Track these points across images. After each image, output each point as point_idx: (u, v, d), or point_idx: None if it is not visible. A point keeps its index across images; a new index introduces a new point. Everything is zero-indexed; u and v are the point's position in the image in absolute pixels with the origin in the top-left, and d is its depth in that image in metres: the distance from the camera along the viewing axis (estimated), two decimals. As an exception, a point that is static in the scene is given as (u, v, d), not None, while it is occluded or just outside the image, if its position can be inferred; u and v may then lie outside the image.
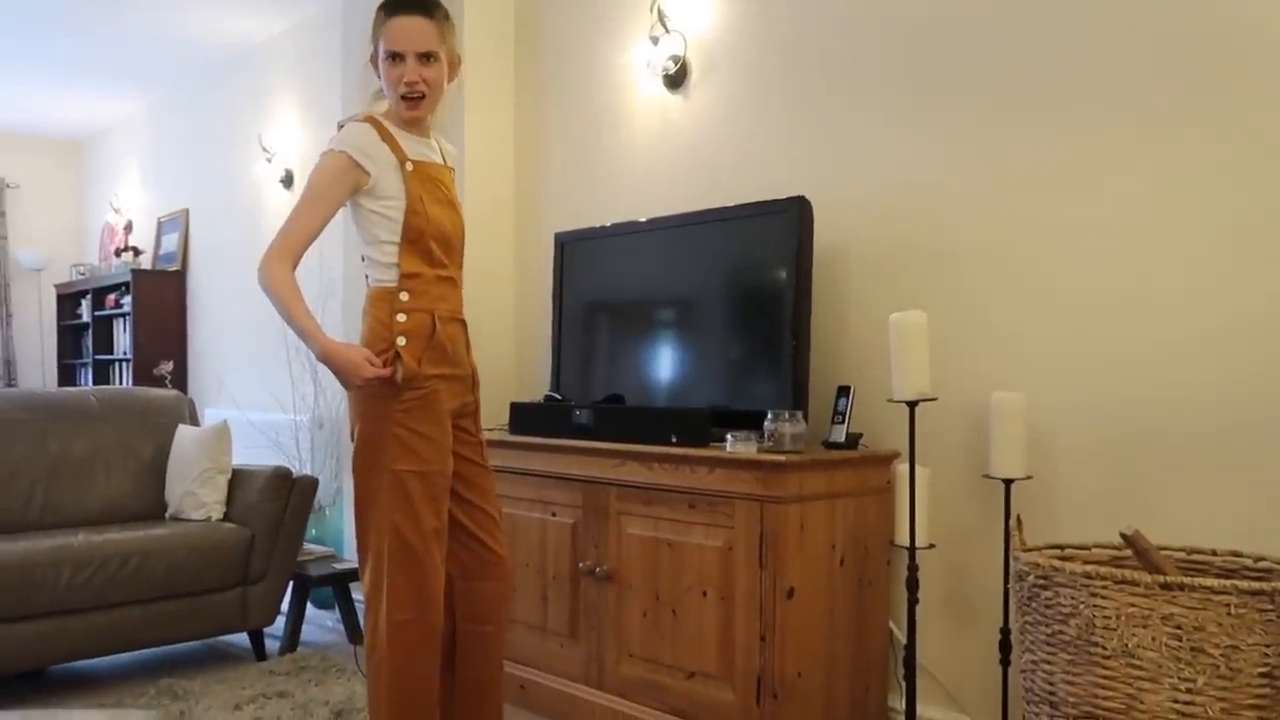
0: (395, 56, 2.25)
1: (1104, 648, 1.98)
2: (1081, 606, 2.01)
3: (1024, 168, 2.61)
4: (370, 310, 2.29)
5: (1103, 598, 1.98)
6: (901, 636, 2.77)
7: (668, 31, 3.48)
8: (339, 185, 2.25)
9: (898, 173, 2.88)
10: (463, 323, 2.40)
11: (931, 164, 2.80)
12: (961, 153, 2.74)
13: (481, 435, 2.46)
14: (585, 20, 3.87)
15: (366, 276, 2.34)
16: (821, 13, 3.06)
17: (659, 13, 3.49)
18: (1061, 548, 2.33)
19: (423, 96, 2.27)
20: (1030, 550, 2.29)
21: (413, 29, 2.23)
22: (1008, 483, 2.49)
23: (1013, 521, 2.36)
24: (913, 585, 2.58)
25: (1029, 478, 2.50)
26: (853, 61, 2.98)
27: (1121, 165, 2.43)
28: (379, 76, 2.31)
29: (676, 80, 3.47)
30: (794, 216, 2.82)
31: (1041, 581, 2.10)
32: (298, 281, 2.24)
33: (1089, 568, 2.01)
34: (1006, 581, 2.46)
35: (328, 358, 2.19)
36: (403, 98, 2.27)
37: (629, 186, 3.69)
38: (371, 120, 2.30)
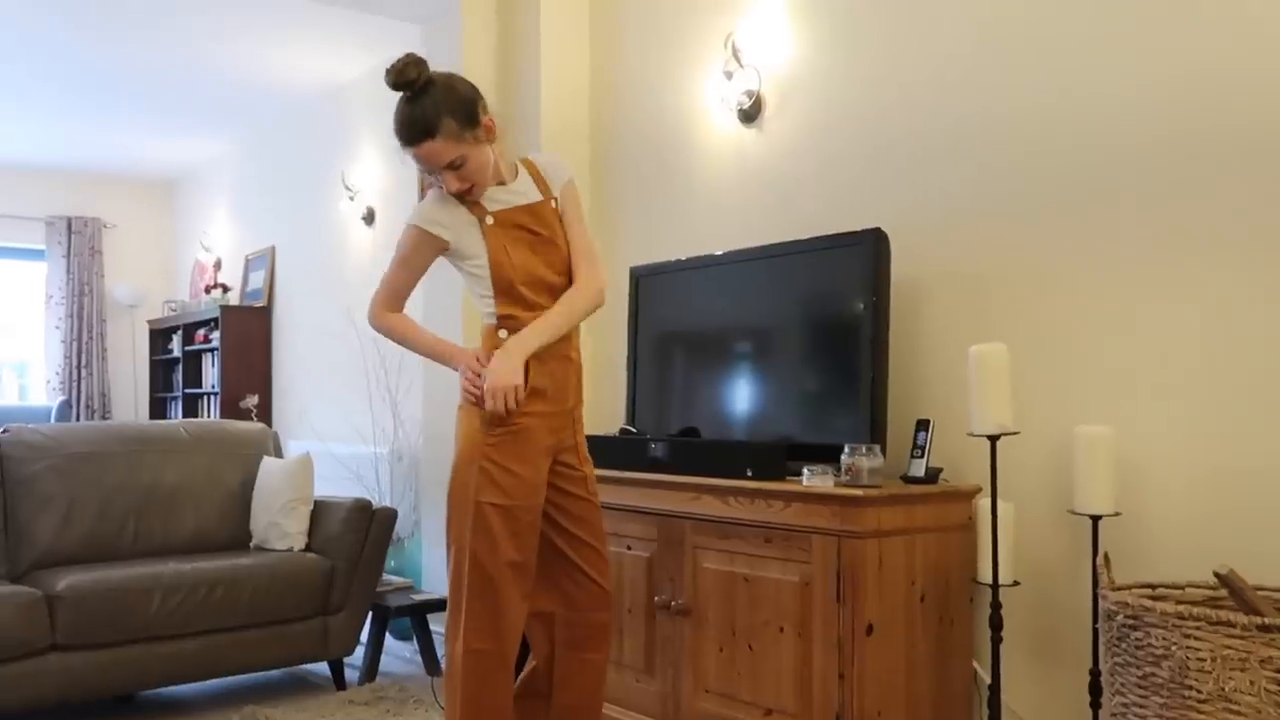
0: (430, 172, 2.33)
1: (1199, 691, 1.91)
2: (1174, 648, 1.94)
3: (1109, 191, 2.56)
4: (481, 344, 2.40)
5: (1197, 639, 1.91)
6: (986, 676, 2.70)
7: (741, 66, 3.50)
8: (419, 255, 2.40)
9: (974, 202, 2.84)
10: (569, 359, 2.41)
11: (1011, 193, 2.76)
12: (1043, 180, 2.69)
13: (588, 469, 2.48)
14: (658, 57, 3.91)
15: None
16: (899, 41, 3.05)
17: (733, 48, 3.51)
18: (1153, 587, 2.25)
19: (471, 188, 2.33)
20: (1119, 589, 2.22)
21: (428, 154, 2.26)
22: (1095, 519, 2.43)
23: (1100, 559, 2.29)
24: (996, 623, 2.52)
25: (1117, 514, 2.43)
26: (929, 90, 2.96)
27: (1209, 188, 2.37)
28: None
29: (751, 114, 3.49)
30: (870, 248, 2.81)
31: (1131, 621, 2.04)
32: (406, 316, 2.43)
33: (1182, 608, 1.94)
34: (1095, 621, 2.39)
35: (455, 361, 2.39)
36: (455, 194, 2.34)
37: (704, 220, 3.70)
38: None
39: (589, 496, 2.46)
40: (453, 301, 4.14)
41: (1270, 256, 2.27)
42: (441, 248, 2.37)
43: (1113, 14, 2.55)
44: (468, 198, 2.34)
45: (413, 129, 2.24)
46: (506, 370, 2.26)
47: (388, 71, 2.24)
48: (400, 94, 2.26)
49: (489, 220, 2.33)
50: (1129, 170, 2.52)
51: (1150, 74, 2.48)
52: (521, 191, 2.41)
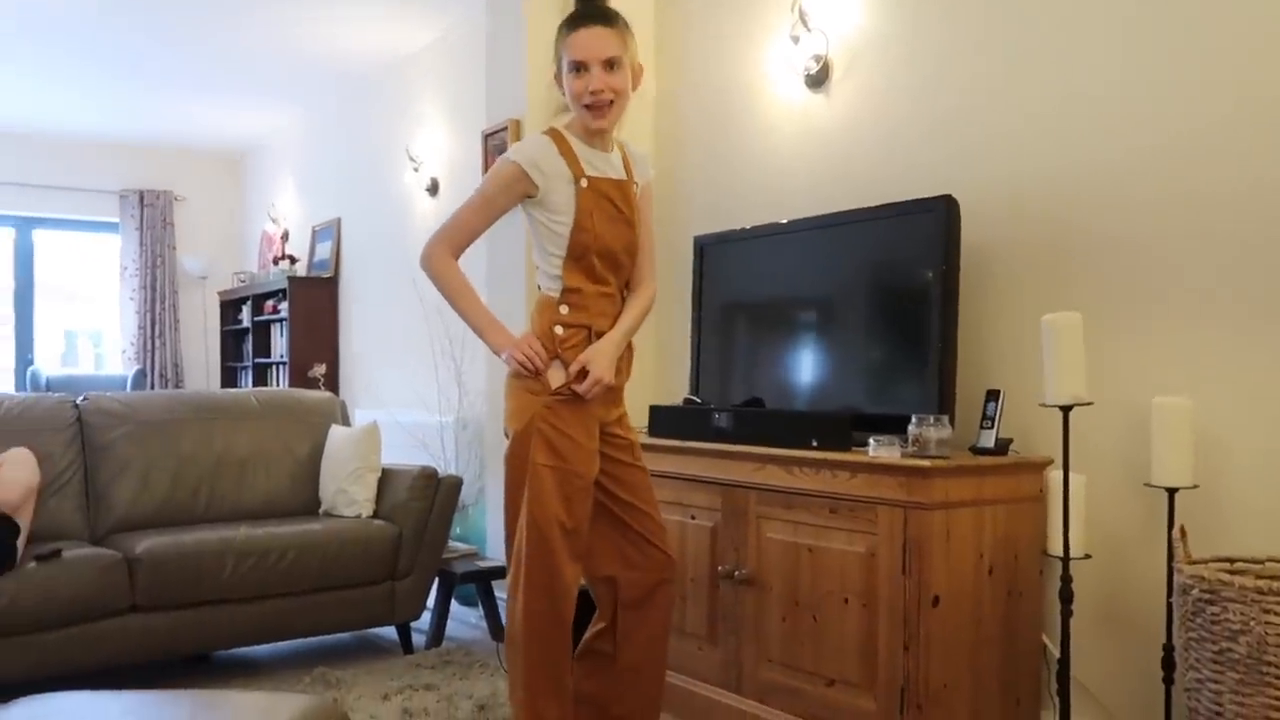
0: (579, 67, 2.29)
1: (1277, 668, 1.86)
2: (1252, 623, 1.90)
3: (1188, 153, 2.48)
4: (536, 316, 2.40)
5: (1277, 615, 1.86)
6: (1055, 649, 2.66)
7: (809, 30, 3.44)
8: (506, 193, 2.35)
9: (1048, 168, 2.77)
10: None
11: (1086, 156, 2.69)
12: (1119, 142, 2.62)
13: (633, 435, 2.50)
14: (724, 22, 3.87)
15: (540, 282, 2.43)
16: (968, 5, 2.98)
17: (800, 12, 3.45)
18: (1230, 561, 2.20)
19: (610, 103, 2.30)
20: (1195, 563, 2.17)
21: (595, 38, 2.27)
22: (1171, 491, 2.37)
23: (1176, 532, 2.24)
24: (1067, 596, 2.48)
25: (1195, 487, 2.37)
26: (1000, 55, 2.89)
27: (1298, 156, 2.28)
28: (563, 92, 2.36)
29: (818, 80, 3.43)
30: (940, 215, 2.75)
31: (1208, 596, 1.99)
32: (460, 269, 2.37)
33: (1261, 582, 1.90)
34: (1169, 595, 2.34)
35: (501, 350, 2.35)
36: (587, 107, 2.31)
37: (769, 188, 3.66)
38: (553, 132, 2.37)
39: (636, 462, 2.48)
40: (517, 265, 4.16)
41: (1362, 221, 2.18)
42: (529, 193, 2.34)
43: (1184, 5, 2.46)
44: (594, 120, 2.31)
45: (594, 12, 2.30)
46: (607, 369, 2.32)
47: None
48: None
49: (583, 182, 2.33)
50: (1212, 134, 2.43)
51: (1236, 35, 2.39)
52: (615, 166, 2.42)
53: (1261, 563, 2.19)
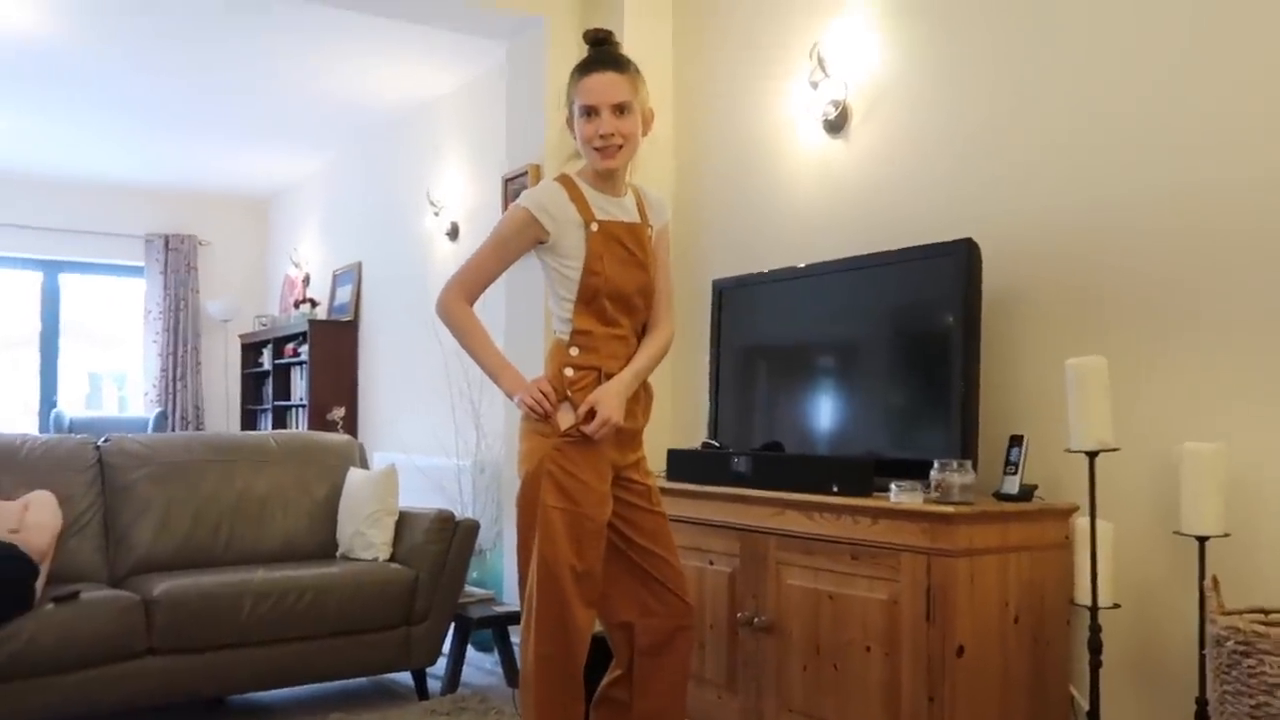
0: (590, 111, 2.31)
1: (1318, 723, 1.81)
2: (1291, 677, 1.84)
3: (1214, 196, 2.46)
4: (549, 360, 2.40)
5: (1316, 668, 1.81)
6: (1084, 702, 2.60)
7: (827, 76, 3.46)
8: (518, 238, 2.37)
9: (1070, 210, 2.76)
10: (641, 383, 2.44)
11: (1108, 199, 2.67)
12: (1142, 185, 2.60)
13: (650, 480, 2.48)
14: (743, 68, 3.89)
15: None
16: (986, 49, 2.99)
17: (818, 58, 3.47)
18: (1265, 612, 2.15)
19: (619, 147, 2.32)
20: (1229, 614, 2.12)
21: (605, 83, 2.30)
22: (1201, 540, 2.32)
23: (1208, 582, 2.19)
24: (1095, 646, 2.43)
25: (1226, 535, 2.32)
26: (1019, 97, 2.89)
27: (1325, 199, 2.26)
28: (575, 137, 2.38)
29: (837, 125, 3.44)
30: (962, 259, 2.74)
31: (1243, 648, 1.94)
32: (475, 315, 2.38)
33: (1299, 634, 1.85)
34: (1202, 647, 2.28)
35: (513, 394, 2.34)
36: (597, 150, 2.32)
37: (788, 232, 3.66)
38: (564, 178, 2.38)
39: (654, 508, 2.45)
40: (535, 311, 4.16)
41: (1392, 265, 2.15)
42: (540, 238, 2.35)
43: (1209, 41, 2.46)
44: (603, 163, 2.32)
45: (605, 57, 2.33)
46: (616, 409, 2.30)
47: (586, 32, 2.40)
48: (591, 45, 2.39)
49: (594, 227, 2.33)
50: (1237, 173, 2.41)
51: (1262, 68, 2.38)
52: (628, 209, 2.42)
53: (1296, 613, 2.14)
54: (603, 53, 2.35)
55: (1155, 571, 2.55)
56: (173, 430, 8.57)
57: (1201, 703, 2.31)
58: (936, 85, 3.14)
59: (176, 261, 8.84)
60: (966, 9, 3.05)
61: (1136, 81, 2.62)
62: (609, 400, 2.30)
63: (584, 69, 2.33)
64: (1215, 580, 2.18)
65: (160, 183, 8.56)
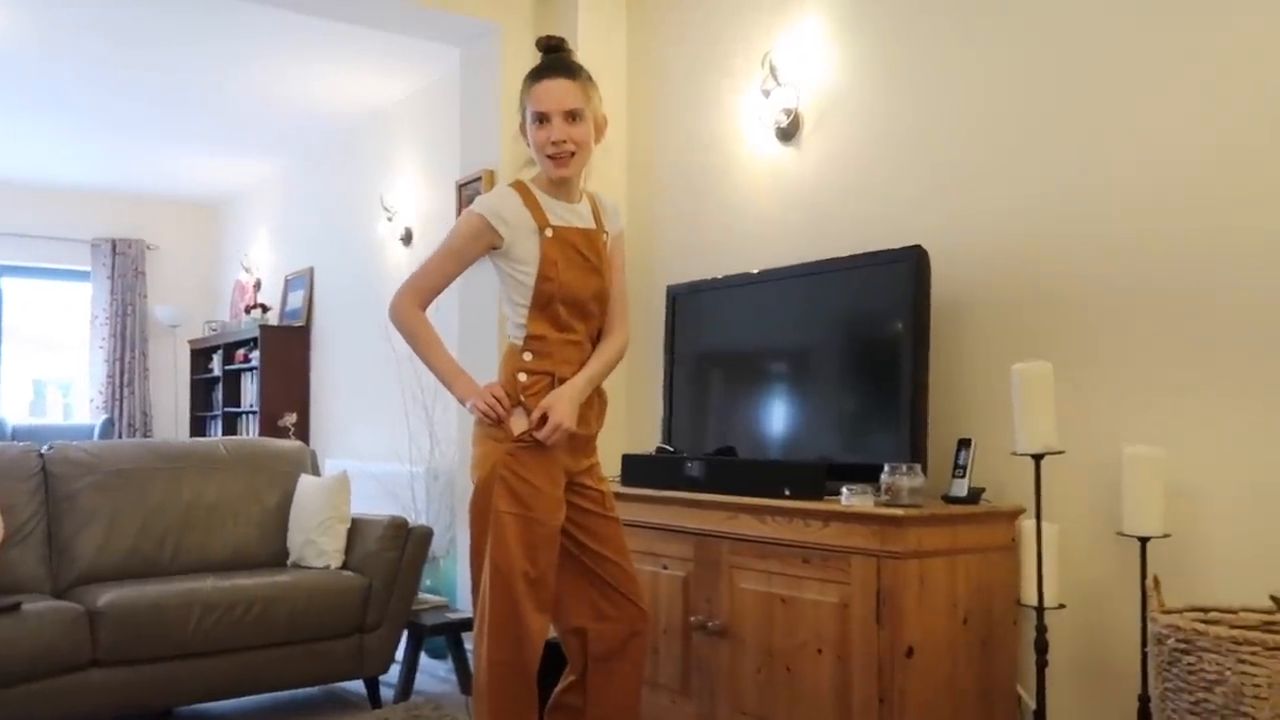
0: (542, 118, 2.31)
1: (1254, 718, 1.85)
2: (1228, 673, 1.89)
3: (1156, 207, 2.52)
4: (503, 364, 2.40)
5: (1252, 664, 1.86)
6: (1030, 701, 2.65)
7: (779, 84, 3.49)
8: (472, 245, 2.36)
9: (1017, 218, 2.81)
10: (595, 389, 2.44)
11: (1054, 207, 2.73)
12: (1086, 194, 2.66)
13: (605, 486, 2.48)
14: (696, 76, 3.92)
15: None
16: (936, 59, 3.03)
17: (770, 67, 3.50)
18: (1205, 610, 2.20)
19: (571, 154, 2.32)
20: (1170, 612, 2.17)
21: (557, 90, 2.30)
22: (1143, 540, 2.37)
23: (1149, 581, 2.24)
24: (1041, 647, 2.47)
25: (1167, 536, 2.38)
26: (968, 105, 2.94)
27: (1261, 198, 2.32)
28: (528, 144, 2.38)
29: (789, 133, 3.48)
30: (910, 265, 2.78)
31: (1183, 646, 1.99)
32: (428, 320, 2.36)
33: (1236, 632, 1.89)
34: (1144, 645, 2.33)
35: (466, 400, 2.33)
36: (550, 157, 2.33)
37: (741, 238, 3.69)
38: (518, 185, 2.39)
39: (608, 513, 2.46)
40: (488, 316, 4.15)
41: (1323, 272, 2.22)
42: (494, 244, 2.34)
43: (1144, 51, 2.52)
44: (556, 171, 2.33)
45: (557, 64, 2.33)
46: (568, 414, 2.30)
47: (539, 39, 2.41)
48: (544, 52, 2.40)
49: (548, 233, 2.33)
50: (1176, 187, 2.47)
51: (1210, 79, 2.44)
52: (583, 215, 2.43)
53: (1235, 612, 2.19)
54: (555, 59, 2.35)
55: (1099, 572, 2.60)
56: (119, 438, 8.42)
57: (1144, 700, 2.36)
58: (885, 95, 3.18)
59: (124, 266, 8.70)
60: (914, 22, 3.10)
61: (1077, 91, 2.68)
62: (562, 405, 2.30)
63: (536, 75, 2.34)
64: (1156, 580, 2.23)
65: (108, 186, 8.42)
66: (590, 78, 2.37)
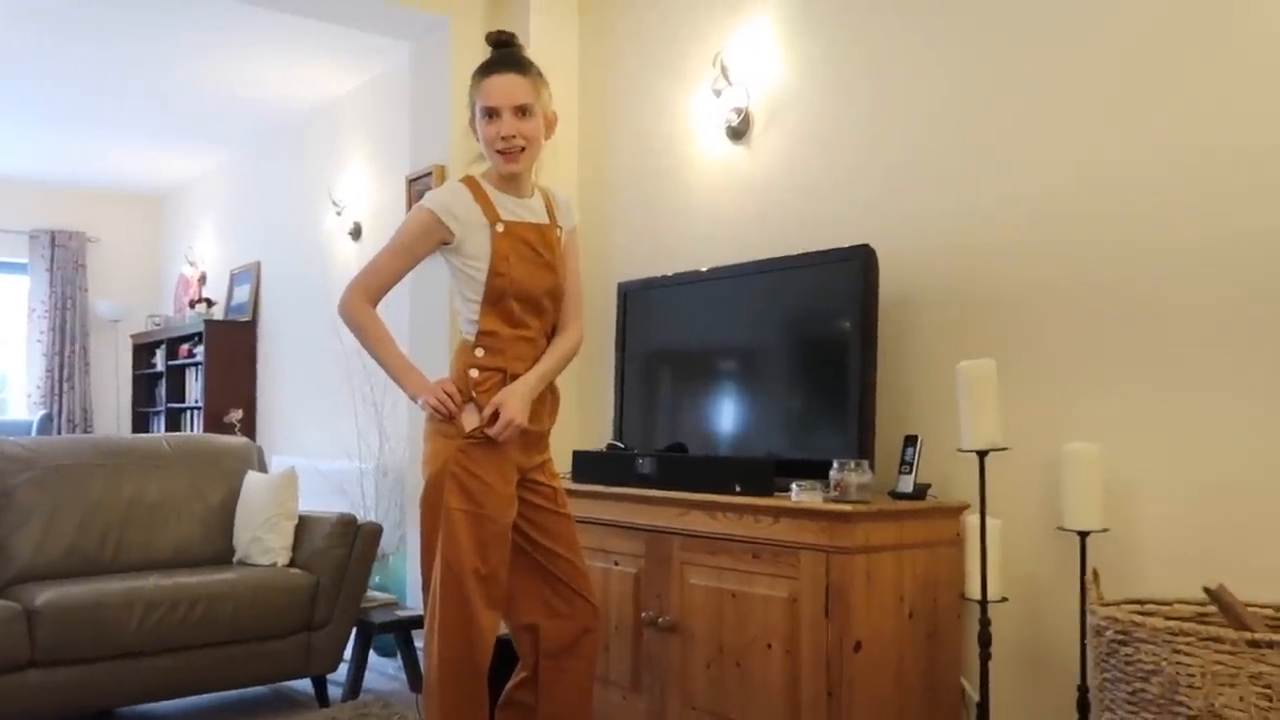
0: (491, 113, 2.30)
1: (1189, 707, 1.90)
2: (1164, 664, 1.94)
3: (1096, 209, 2.57)
4: (454, 361, 2.39)
5: (1187, 655, 1.91)
6: (974, 693, 2.69)
7: (730, 84, 3.51)
8: (423, 240, 2.34)
9: (965, 219, 2.85)
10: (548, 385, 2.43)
11: (998, 210, 2.77)
12: (1029, 197, 2.71)
13: (556, 482, 2.48)
14: (648, 74, 3.93)
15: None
16: (885, 61, 3.07)
17: (721, 66, 3.52)
18: (1141, 603, 2.25)
19: (521, 150, 2.32)
20: (1108, 605, 2.22)
21: (506, 84, 2.30)
22: (1083, 535, 2.43)
23: (1088, 575, 2.29)
24: (985, 640, 2.52)
25: (1105, 530, 2.44)
26: (917, 109, 2.98)
27: (1195, 207, 2.38)
28: (478, 139, 2.37)
29: (739, 132, 3.50)
30: (859, 264, 2.81)
31: (1121, 637, 2.03)
32: (378, 316, 2.34)
33: (1172, 623, 1.94)
34: (1083, 637, 2.39)
35: (417, 396, 2.31)
36: (500, 153, 2.32)
37: (692, 236, 3.71)
38: (468, 180, 2.38)
39: (560, 510, 2.46)
40: (439, 312, 4.13)
41: (1264, 268, 2.28)
42: (445, 240, 2.33)
43: (1087, 61, 2.57)
44: (506, 166, 2.32)
45: (507, 59, 2.33)
46: (520, 410, 2.29)
47: (489, 34, 2.40)
48: (494, 47, 2.39)
49: (499, 227, 2.33)
50: (1115, 193, 2.53)
51: (1148, 81, 2.50)
52: (536, 211, 2.42)
53: (1171, 604, 2.25)
54: (504, 54, 2.35)
55: (1040, 566, 2.65)
56: (59, 434, 8.24)
57: (1083, 690, 2.41)
58: (835, 96, 3.21)
59: (64, 259, 8.51)
60: (863, 24, 3.13)
61: (1022, 99, 2.73)
62: (513, 402, 2.29)
63: (485, 70, 2.33)
64: (1095, 573, 2.28)
65: (47, 177, 8.23)
66: (540, 73, 2.36)
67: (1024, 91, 2.73)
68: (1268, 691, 1.82)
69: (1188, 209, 2.39)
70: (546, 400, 2.43)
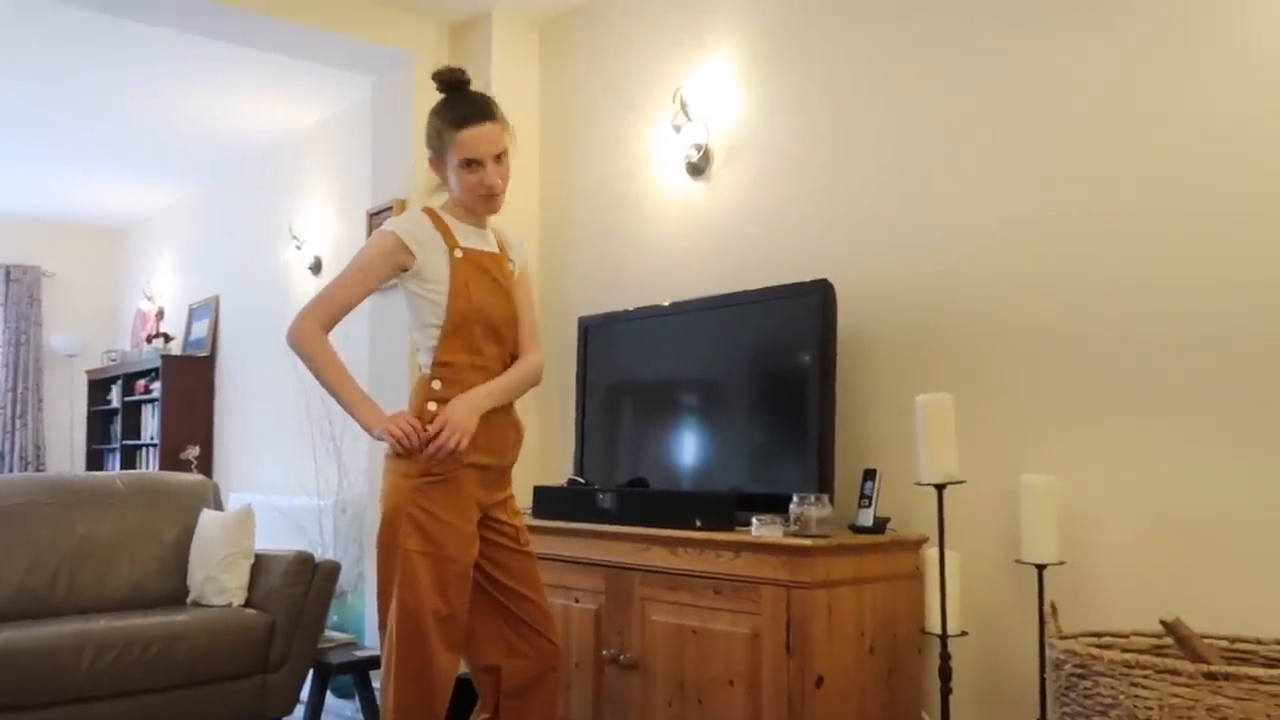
0: (473, 164, 2.31)
1: (1146, 740, 1.91)
2: (1122, 697, 1.95)
3: (1052, 244, 2.61)
4: (413, 395, 2.35)
5: (1144, 687, 1.91)
6: (935, 728, 2.69)
7: (690, 120, 3.54)
8: (384, 264, 2.32)
9: (922, 255, 2.88)
10: (508, 417, 2.40)
11: (955, 245, 2.81)
12: (985, 233, 2.74)
13: (519, 520, 2.45)
14: (609, 110, 3.95)
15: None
16: (843, 99, 3.11)
17: (681, 102, 3.55)
18: (1099, 635, 2.26)
19: (497, 195, 2.36)
20: (1066, 638, 2.22)
21: (488, 135, 2.31)
22: (1040, 568, 2.44)
23: (1047, 608, 2.30)
24: (945, 674, 2.52)
25: (1062, 563, 2.45)
26: (874, 146, 3.02)
27: (1144, 241, 2.42)
28: (443, 179, 2.40)
29: (699, 167, 3.52)
30: (818, 299, 2.83)
31: (1079, 670, 2.04)
32: (331, 344, 2.29)
33: (1129, 656, 1.95)
34: (1043, 670, 2.39)
35: (372, 429, 2.25)
36: (484, 198, 2.35)
37: (652, 271, 3.72)
38: (428, 210, 2.39)
39: (523, 549, 2.43)
40: (399, 350, 4.10)
41: (1216, 307, 2.32)
42: (405, 264, 2.31)
43: (1051, 93, 2.62)
44: (487, 210, 2.37)
45: (482, 109, 2.32)
46: (466, 415, 2.25)
47: (437, 72, 2.37)
48: (449, 88, 2.37)
49: (458, 253, 2.33)
50: (1071, 225, 2.57)
51: (1104, 118, 2.55)
52: (490, 242, 2.44)
53: (1127, 636, 2.26)
54: (477, 103, 2.34)
55: (999, 599, 2.66)
56: (11, 471, 8.07)
57: (1043, 724, 2.42)
58: (793, 132, 3.24)
59: (18, 293, 8.37)
60: (820, 61, 3.18)
61: (976, 138, 2.77)
62: (459, 409, 2.25)
63: (462, 121, 2.30)
64: (1053, 606, 2.29)
65: (1, 210, 8.11)
66: (503, 113, 2.38)
67: (980, 130, 2.77)
68: (1223, 723, 1.83)
69: (1142, 248, 2.44)
70: (509, 435, 2.41)
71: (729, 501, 2.75)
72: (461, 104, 2.34)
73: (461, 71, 2.38)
